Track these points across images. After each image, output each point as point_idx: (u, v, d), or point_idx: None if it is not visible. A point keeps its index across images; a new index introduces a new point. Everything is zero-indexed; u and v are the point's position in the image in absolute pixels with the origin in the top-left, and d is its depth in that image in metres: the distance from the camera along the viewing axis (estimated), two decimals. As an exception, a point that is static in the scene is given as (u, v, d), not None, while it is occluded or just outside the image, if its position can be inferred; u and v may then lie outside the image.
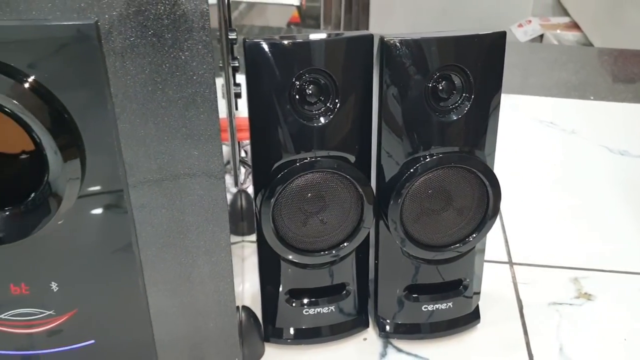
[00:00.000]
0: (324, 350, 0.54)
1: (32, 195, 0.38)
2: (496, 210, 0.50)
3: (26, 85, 0.35)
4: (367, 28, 2.26)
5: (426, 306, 0.54)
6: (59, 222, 0.39)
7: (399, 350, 0.54)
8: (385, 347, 0.55)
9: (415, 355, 0.54)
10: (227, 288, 0.44)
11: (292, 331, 0.54)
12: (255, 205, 0.48)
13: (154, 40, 0.35)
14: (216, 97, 0.37)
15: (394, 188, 0.48)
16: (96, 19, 0.34)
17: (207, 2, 0.34)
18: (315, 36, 0.45)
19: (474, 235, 0.51)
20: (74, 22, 0.33)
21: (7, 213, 0.38)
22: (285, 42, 0.44)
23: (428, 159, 0.48)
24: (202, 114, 0.37)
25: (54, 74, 0.35)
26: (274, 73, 0.44)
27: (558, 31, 2.33)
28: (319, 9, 1.96)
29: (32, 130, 0.36)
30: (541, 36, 2.37)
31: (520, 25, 2.47)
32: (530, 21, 2.47)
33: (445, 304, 0.54)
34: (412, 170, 0.48)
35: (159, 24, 0.34)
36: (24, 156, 0.43)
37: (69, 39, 0.34)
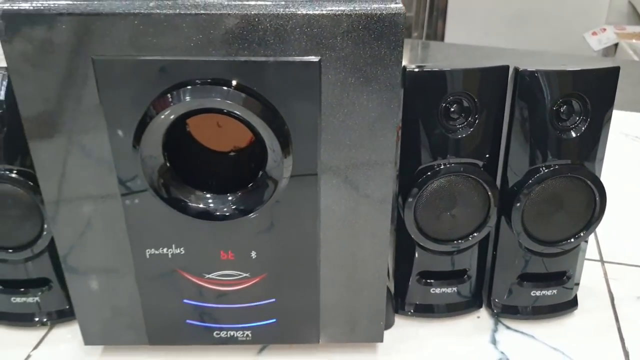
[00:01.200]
0: (444, 324, 0.65)
1: (255, 180, 0.50)
2: (601, 214, 0.60)
3: (259, 100, 0.47)
4: (444, 33, 2.34)
5: (534, 292, 0.64)
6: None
7: (508, 327, 0.65)
8: (496, 324, 0.65)
9: (522, 332, 0.64)
10: (382, 265, 0.56)
11: (418, 306, 0.65)
12: (399, 201, 0.59)
13: (359, 74, 0.46)
14: (398, 112, 0.48)
15: (517, 192, 0.58)
16: (320, 57, 0.45)
17: (402, 44, 0.45)
18: (461, 66, 0.56)
19: (581, 234, 0.61)
20: (304, 58, 0.45)
21: (238, 195, 0.50)
22: (438, 69, 0.55)
23: (546, 170, 0.58)
24: (386, 122, 0.48)
25: (280, 94, 0.46)
26: (429, 95, 0.55)
27: (634, 40, 2.34)
28: (411, 18, 2.06)
29: (258, 132, 0.48)
30: (616, 45, 2.38)
31: (594, 33, 2.49)
32: (604, 29, 2.48)
33: (550, 291, 0.64)
34: (533, 178, 0.58)
35: (364, 62, 0.46)
36: (232, 154, 0.56)
37: (298, 71, 0.45)
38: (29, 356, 0.61)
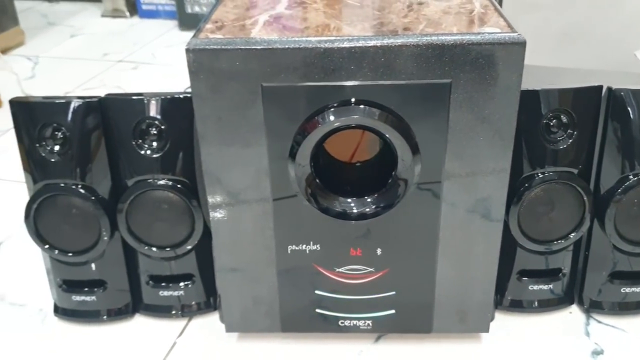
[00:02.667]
0: (540, 318, 0.72)
1: (387, 184, 0.58)
2: (688, 218, 0.66)
3: (395, 117, 0.55)
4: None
5: (624, 289, 0.70)
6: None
7: (599, 322, 0.71)
8: (587, 319, 0.71)
9: (613, 326, 0.70)
10: (492, 263, 0.63)
11: (516, 301, 0.72)
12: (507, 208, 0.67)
13: (483, 94, 0.54)
14: (514, 127, 0.56)
15: (609, 198, 0.65)
16: (450, 80, 0.53)
17: (522, 68, 0.53)
18: (558, 87, 0.63)
19: (669, 235, 0.67)
20: (437, 81, 0.53)
21: (374, 197, 0.59)
22: (542, 89, 0.62)
23: (635, 177, 0.65)
24: (504, 135, 0.56)
25: (414, 112, 0.55)
26: (534, 112, 0.62)
27: (686, 57, 2.35)
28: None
29: (391, 142, 0.56)
30: (668, 61, 2.40)
31: (645, 51, 2.51)
32: (656, 46, 2.50)
33: (639, 288, 0.70)
34: (623, 185, 0.65)
35: (488, 83, 0.54)
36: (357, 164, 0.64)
37: (431, 92, 0.54)
38: (174, 343, 0.70)
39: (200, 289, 0.72)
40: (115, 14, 1.90)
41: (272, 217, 0.61)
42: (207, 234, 0.69)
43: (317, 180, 0.59)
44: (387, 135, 0.56)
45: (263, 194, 0.59)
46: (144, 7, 1.88)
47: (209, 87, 0.54)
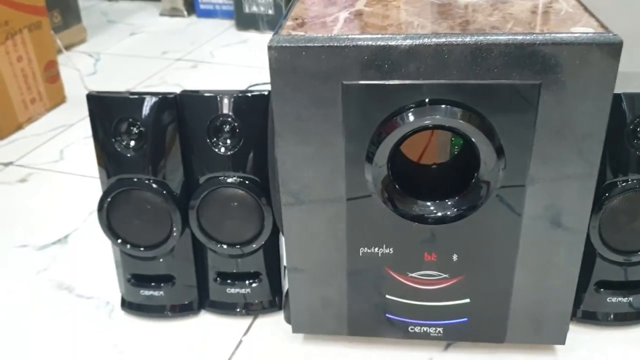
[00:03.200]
0: (617, 332, 0.69)
1: (469, 186, 0.57)
2: None
3: (478, 117, 0.53)
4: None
5: None
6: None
7: (683, 339, 0.68)
8: (670, 335, 0.68)
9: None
10: (573, 272, 0.60)
11: (592, 313, 0.69)
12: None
13: (574, 96, 0.52)
14: (604, 131, 0.53)
15: (700, 207, 0.62)
16: (540, 81, 0.51)
17: (617, 69, 0.51)
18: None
19: None
20: (526, 82, 0.51)
21: (455, 200, 0.57)
22: (623, 92, 0.60)
23: None
24: (594, 139, 0.54)
25: (500, 113, 0.53)
26: (619, 117, 0.60)
27: None
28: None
29: (474, 143, 0.54)
30: None
31: None
32: None
33: None
34: None
35: (580, 85, 0.51)
36: (433, 167, 0.63)
37: (519, 93, 0.52)
38: (241, 341, 0.70)
39: (266, 288, 0.71)
40: (173, 12, 1.93)
41: (345, 218, 0.59)
42: (275, 232, 0.68)
43: (394, 183, 0.58)
44: (470, 137, 0.54)
45: (337, 195, 0.58)
46: (202, 6, 1.90)
47: (290, 84, 0.54)
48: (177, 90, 0.64)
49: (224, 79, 1.43)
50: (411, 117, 0.53)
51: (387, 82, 0.53)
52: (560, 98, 0.52)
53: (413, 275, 0.62)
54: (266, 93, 0.62)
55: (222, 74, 1.47)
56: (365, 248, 0.61)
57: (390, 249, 0.61)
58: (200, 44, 1.67)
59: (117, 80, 1.45)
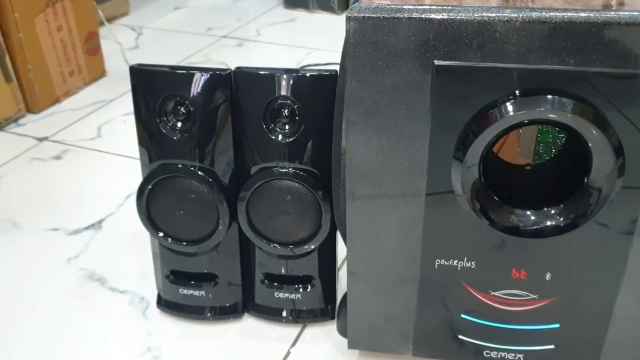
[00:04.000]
0: None
1: (576, 193, 0.47)
2: None
3: (595, 111, 0.44)
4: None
5: None
6: (579, 226, 0.48)
7: None
8: None
9: None
10: (688, 300, 0.51)
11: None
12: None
13: None
14: None
15: None
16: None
17: None
18: None
19: None
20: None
21: (560, 208, 0.48)
22: None
23: None
24: None
25: (620, 106, 0.43)
26: None
27: None
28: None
29: (587, 142, 0.45)
30: None
31: None
32: None
33: None
34: None
35: None
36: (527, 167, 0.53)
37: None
38: (288, 353, 0.62)
39: (318, 294, 0.63)
40: (218, -12, 1.85)
41: (421, 222, 0.51)
42: (332, 233, 0.60)
43: (486, 187, 0.49)
44: (584, 135, 0.45)
45: (414, 196, 0.50)
46: (248, -18, 1.81)
47: (370, 63, 0.45)
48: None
49: (271, 59, 1.34)
50: (512, 109, 0.44)
51: (487, 65, 0.43)
52: (702, 93, 0.42)
53: (496, 294, 0.53)
54: (334, 73, 0.53)
55: (269, 53, 1.38)
56: (442, 260, 0.52)
57: (472, 263, 0.52)
58: (246, 21, 1.59)
59: (159, 56, 1.38)
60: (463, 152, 0.46)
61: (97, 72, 1.26)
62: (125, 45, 1.42)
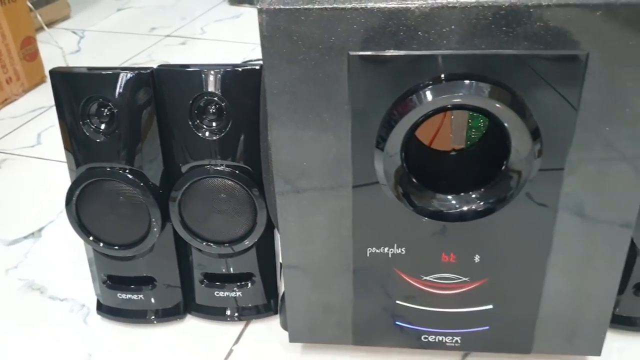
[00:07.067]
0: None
1: (496, 177, 0.48)
2: None
3: (512, 95, 0.45)
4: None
5: None
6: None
7: None
8: None
9: None
10: (614, 276, 0.52)
11: (624, 318, 0.61)
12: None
13: (626, 68, 0.43)
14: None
15: None
16: (588, 51, 0.43)
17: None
18: None
19: None
20: (571, 52, 0.43)
21: (481, 192, 0.49)
22: None
23: None
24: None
25: (538, 88, 0.44)
26: None
27: None
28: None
29: (506, 126, 0.46)
30: None
31: None
32: None
33: None
34: None
35: (633, 55, 0.43)
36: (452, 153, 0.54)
37: (563, 65, 0.43)
38: (231, 351, 0.62)
39: (259, 291, 0.63)
40: (163, -13, 1.82)
41: (351, 213, 0.51)
42: (269, 228, 0.60)
43: (409, 173, 0.49)
44: (500, 119, 0.45)
45: (342, 187, 0.50)
46: (193, -20, 1.79)
47: (285, 55, 0.45)
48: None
49: (216, 55, 1.33)
50: (430, 96, 0.45)
51: (402, 53, 0.44)
52: (610, 72, 0.43)
53: (428, 278, 0.54)
54: (258, 67, 0.53)
55: (214, 50, 1.37)
56: (374, 248, 0.53)
57: (402, 249, 0.52)
58: (191, 19, 1.57)
59: (101, 58, 1.35)
60: (384, 141, 0.46)
61: (36, 78, 1.23)
62: (66, 50, 1.39)
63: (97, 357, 0.62)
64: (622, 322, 0.62)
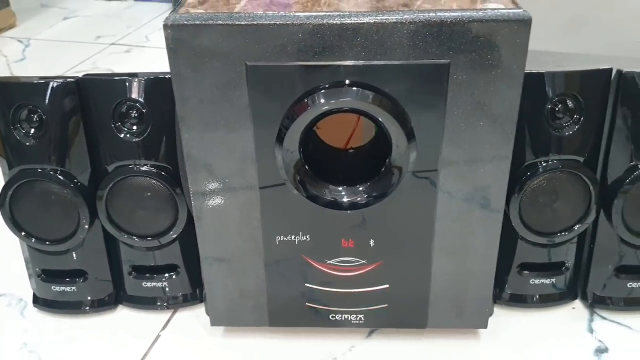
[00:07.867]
0: (541, 314, 0.69)
1: (381, 172, 0.55)
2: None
3: (390, 100, 0.51)
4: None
5: (631, 284, 0.66)
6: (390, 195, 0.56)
7: (604, 318, 0.68)
8: (591, 315, 0.68)
9: (618, 323, 0.67)
10: (492, 256, 0.60)
11: (516, 296, 0.69)
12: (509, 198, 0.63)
13: (484, 76, 0.50)
14: (517, 111, 0.52)
15: (617, 188, 0.62)
16: (449, 61, 0.50)
17: (527, 47, 0.49)
18: (564, 70, 0.59)
19: (680, 229, 0.63)
20: (434, 62, 0.50)
21: (367, 186, 0.55)
22: (545, 71, 0.59)
23: (646, 167, 0.61)
24: (507, 120, 0.52)
25: (410, 94, 0.51)
26: (539, 97, 0.59)
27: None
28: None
29: (385, 127, 0.52)
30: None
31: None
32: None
33: (645, 284, 0.67)
34: (633, 176, 0.61)
35: (490, 64, 0.50)
36: (350, 151, 0.61)
37: (428, 73, 0.50)
38: (159, 336, 0.67)
39: (185, 280, 0.69)
40: (110, -4, 1.86)
41: (259, 206, 0.57)
42: (191, 223, 0.65)
43: (307, 168, 0.56)
44: (380, 120, 0.52)
45: (249, 182, 0.56)
46: (140, -11, 1.83)
47: (190, 66, 0.51)
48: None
49: (159, 63, 1.37)
50: (320, 100, 0.51)
51: (293, 64, 0.50)
52: (470, 78, 0.51)
53: (331, 262, 0.60)
54: (174, 76, 0.59)
55: (157, 58, 1.42)
56: (282, 236, 0.59)
57: (307, 237, 0.59)
58: (136, 27, 1.61)
59: (46, 67, 1.39)
60: (283, 139, 0.53)
61: (-20, 86, 1.26)
62: (11, 58, 1.41)
63: (32, 346, 0.66)
64: (515, 300, 0.69)
